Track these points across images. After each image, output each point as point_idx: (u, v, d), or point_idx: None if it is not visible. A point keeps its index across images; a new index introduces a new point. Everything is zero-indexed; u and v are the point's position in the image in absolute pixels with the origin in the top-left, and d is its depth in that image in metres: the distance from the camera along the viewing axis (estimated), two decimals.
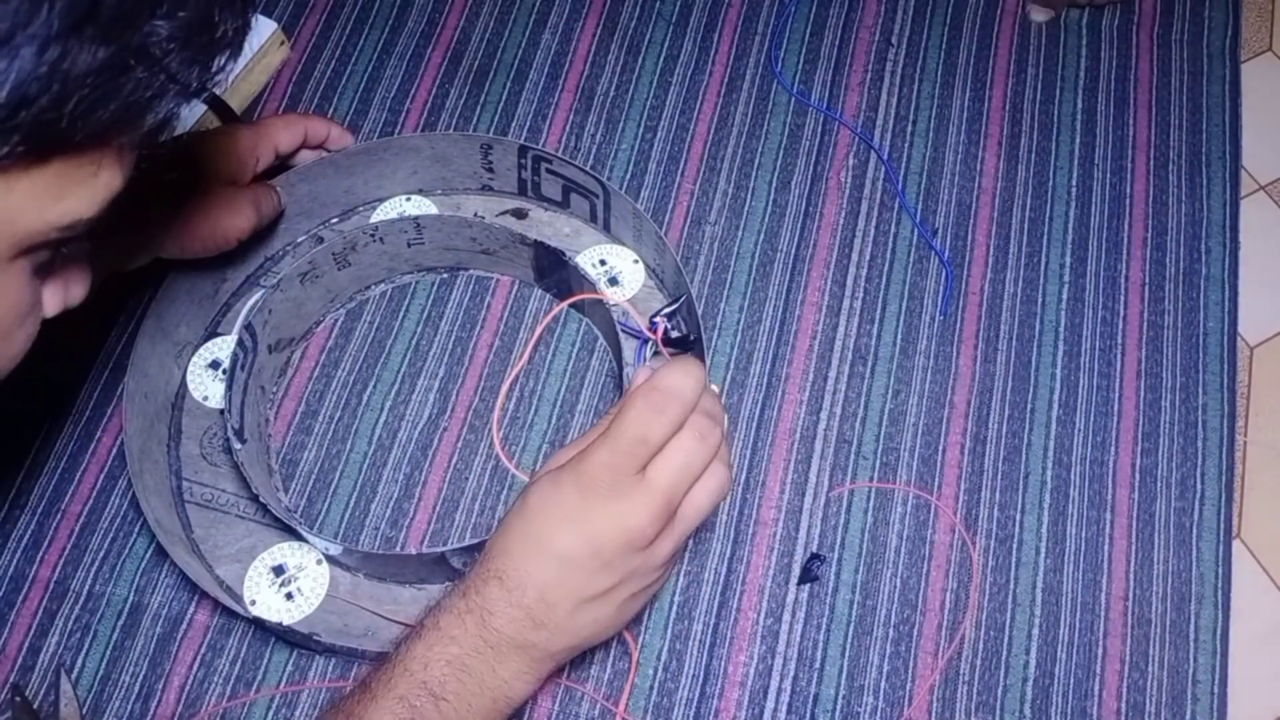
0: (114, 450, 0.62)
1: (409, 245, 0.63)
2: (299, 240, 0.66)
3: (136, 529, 0.59)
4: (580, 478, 0.45)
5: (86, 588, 0.58)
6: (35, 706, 0.55)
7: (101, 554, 0.59)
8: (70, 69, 0.29)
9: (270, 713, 0.55)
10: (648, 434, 0.44)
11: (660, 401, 0.45)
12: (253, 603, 0.55)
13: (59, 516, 0.60)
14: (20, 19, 0.28)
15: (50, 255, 0.36)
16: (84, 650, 0.57)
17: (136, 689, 0.56)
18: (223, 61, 0.34)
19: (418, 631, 0.46)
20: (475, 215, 0.67)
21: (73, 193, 0.34)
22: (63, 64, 0.29)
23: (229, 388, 0.57)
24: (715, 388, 0.53)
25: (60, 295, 0.41)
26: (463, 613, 0.45)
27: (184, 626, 0.57)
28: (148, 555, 0.59)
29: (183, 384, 0.62)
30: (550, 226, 0.67)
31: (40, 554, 0.59)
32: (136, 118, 0.32)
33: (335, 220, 0.67)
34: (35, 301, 0.38)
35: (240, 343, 0.57)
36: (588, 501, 0.44)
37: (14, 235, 0.34)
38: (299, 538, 0.57)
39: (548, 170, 0.64)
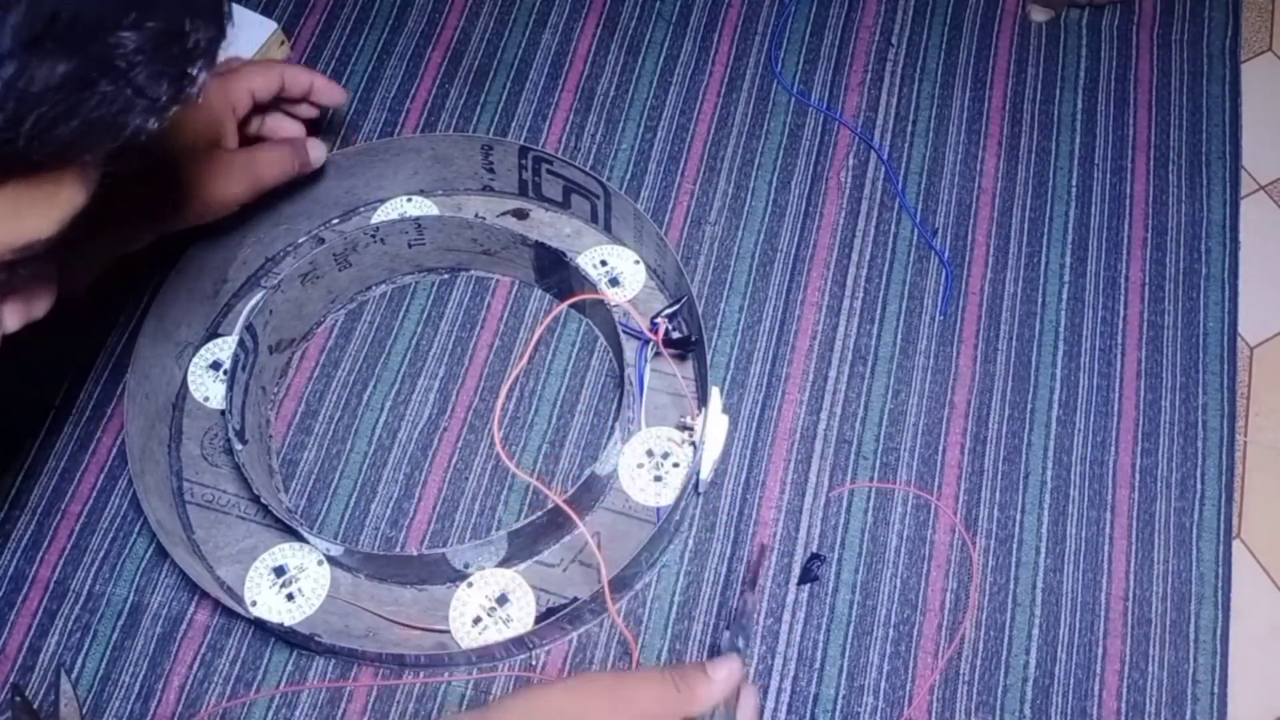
0: (114, 450, 0.62)
1: (410, 246, 0.63)
2: (300, 241, 0.66)
3: (136, 529, 0.59)
4: None
5: (86, 588, 0.58)
6: (35, 706, 0.55)
7: (101, 554, 0.59)
8: (27, 86, 0.27)
9: (270, 713, 0.55)
10: None
11: None
12: (254, 603, 0.55)
13: (59, 516, 0.60)
14: None
15: (6, 275, 0.34)
16: (84, 650, 0.57)
17: (136, 689, 0.56)
18: (194, 72, 0.31)
19: None
20: (476, 216, 0.67)
21: (30, 213, 0.32)
22: (18, 81, 0.27)
23: (230, 388, 0.57)
24: (716, 389, 0.53)
25: (21, 312, 0.39)
26: None
27: (184, 626, 0.57)
28: (148, 555, 0.59)
29: (184, 385, 0.62)
30: (551, 227, 0.67)
31: (40, 554, 0.59)
32: (101, 135, 0.30)
33: (336, 221, 0.67)
34: None
35: (241, 343, 0.57)
36: None
37: None
38: (300, 538, 0.57)
39: (548, 171, 0.64)
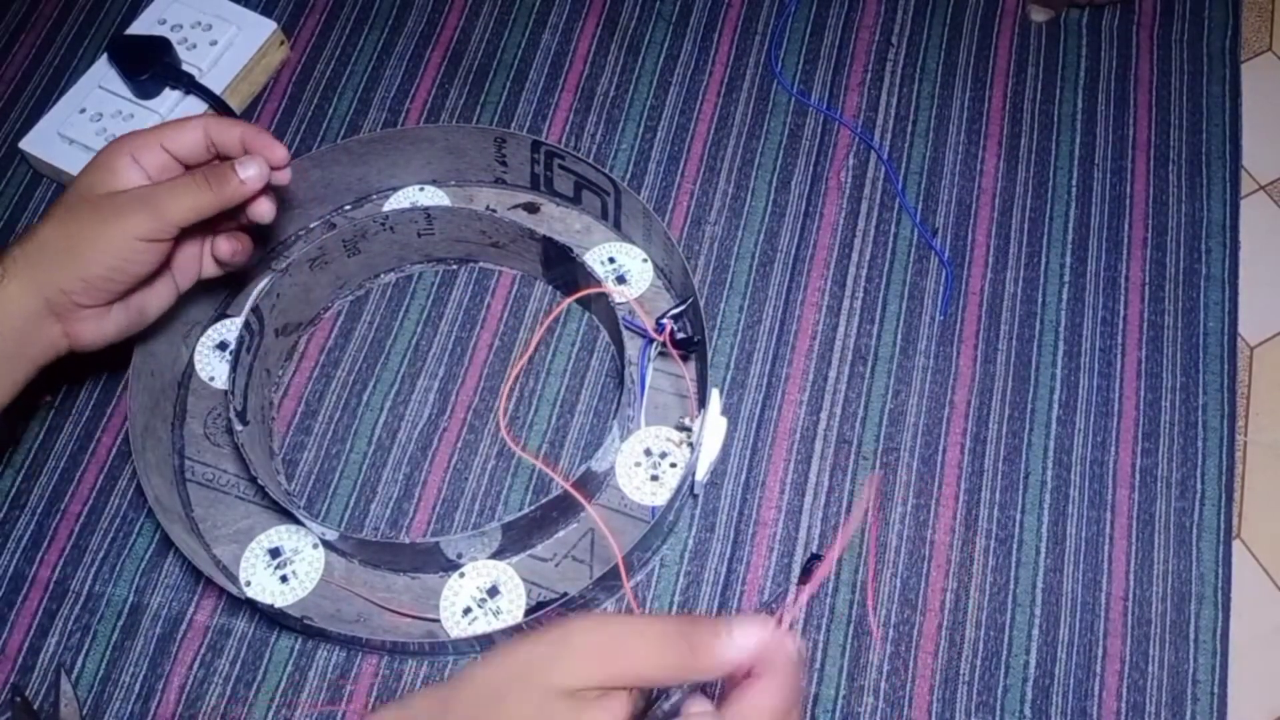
0: (114, 450, 0.62)
1: (419, 235, 0.64)
2: (312, 225, 0.67)
3: (136, 529, 0.59)
4: None
5: (86, 588, 0.58)
6: (35, 707, 0.55)
7: (101, 554, 0.59)
8: None
9: (271, 713, 0.55)
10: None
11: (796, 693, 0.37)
12: (248, 584, 0.55)
13: (59, 516, 0.60)
14: None
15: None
16: (84, 650, 0.57)
17: (137, 689, 0.56)
18: None
19: None
20: (487, 207, 0.67)
21: None
22: None
23: (233, 369, 0.57)
24: (716, 391, 0.53)
25: None
26: None
27: (184, 627, 0.57)
28: (148, 555, 0.59)
29: (190, 364, 0.62)
30: (561, 222, 0.67)
31: (40, 554, 0.59)
32: None
33: (348, 207, 0.67)
34: None
35: (246, 325, 0.57)
36: None
37: None
38: (297, 521, 0.57)
39: (560, 166, 0.64)
